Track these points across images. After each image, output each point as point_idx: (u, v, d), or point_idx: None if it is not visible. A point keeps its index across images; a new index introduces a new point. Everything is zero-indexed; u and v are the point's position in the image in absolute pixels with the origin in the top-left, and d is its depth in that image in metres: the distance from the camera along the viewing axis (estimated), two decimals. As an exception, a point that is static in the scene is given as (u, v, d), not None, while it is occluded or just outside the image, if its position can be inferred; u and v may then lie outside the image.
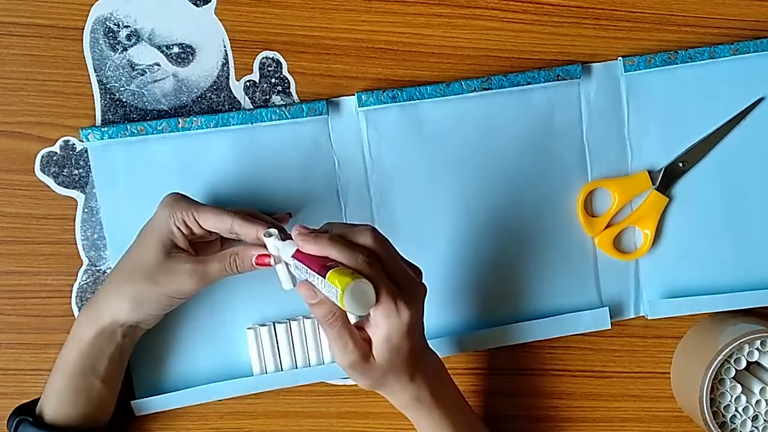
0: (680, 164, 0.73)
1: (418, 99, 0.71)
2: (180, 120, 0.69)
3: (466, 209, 0.72)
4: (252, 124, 0.70)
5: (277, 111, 0.70)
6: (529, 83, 0.71)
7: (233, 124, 0.69)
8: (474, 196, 0.72)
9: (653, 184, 0.73)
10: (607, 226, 0.74)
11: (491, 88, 0.71)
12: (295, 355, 0.72)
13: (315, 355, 0.72)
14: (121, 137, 0.69)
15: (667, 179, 0.73)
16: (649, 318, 0.75)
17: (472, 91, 0.71)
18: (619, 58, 0.72)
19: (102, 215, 0.70)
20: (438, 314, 0.73)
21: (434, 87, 0.71)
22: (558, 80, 0.72)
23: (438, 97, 0.71)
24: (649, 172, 0.73)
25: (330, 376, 0.73)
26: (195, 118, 0.69)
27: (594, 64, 0.73)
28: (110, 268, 0.70)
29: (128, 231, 0.67)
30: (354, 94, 0.71)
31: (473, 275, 0.73)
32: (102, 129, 0.68)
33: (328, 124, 0.71)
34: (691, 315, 0.75)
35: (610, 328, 0.74)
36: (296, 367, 0.72)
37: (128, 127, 0.68)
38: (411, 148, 0.72)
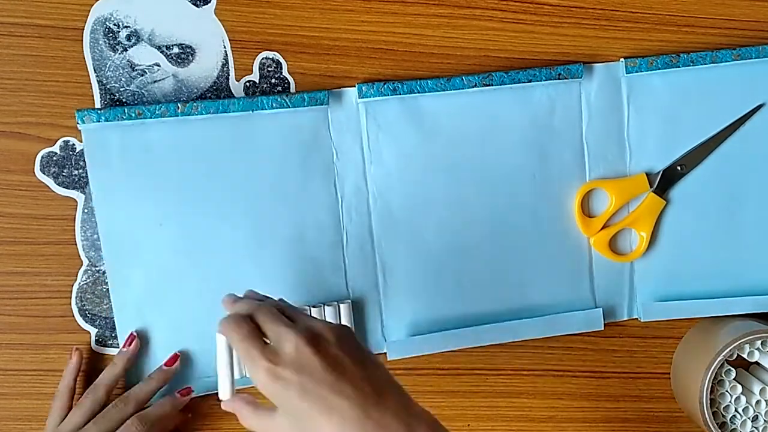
0: (679, 167, 0.73)
1: (419, 92, 0.71)
2: (179, 105, 0.68)
3: (463, 204, 0.72)
4: (252, 111, 0.69)
5: (279, 99, 0.69)
6: (530, 81, 0.71)
7: (233, 111, 0.69)
8: (471, 192, 0.72)
9: (651, 187, 0.73)
10: (604, 227, 0.74)
11: (492, 84, 0.71)
12: None
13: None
14: (117, 120, 0.68)
15: (665, 182, 0.73)
16: (642, 321, 0.75)
17: (473, 87, 0.71)
18: (622, 59, 0.72)
19: (93, 201, 0.69)
20: (431, 309, 0.73)
21: (435, 81, 0.71)
22: (559, 79, 0.72)
23: (439, 91, 0.71)
24: (648, 175, 0.73)
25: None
26: (194, 104, 0.69)
27: (596, 64, 0.73)
28: (110, 268, 0.70)
29: (120, 217, 0.67)
30: (354, 86, 0.71)
31: (467, 270, 0.73)
32: (99, 111, 0.68)
33: (328, 115, 0.71)
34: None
35: (602, 329, 0.74)
36: None
37: (126, 110, 0.68)
38: (410, 141, 0.72)
